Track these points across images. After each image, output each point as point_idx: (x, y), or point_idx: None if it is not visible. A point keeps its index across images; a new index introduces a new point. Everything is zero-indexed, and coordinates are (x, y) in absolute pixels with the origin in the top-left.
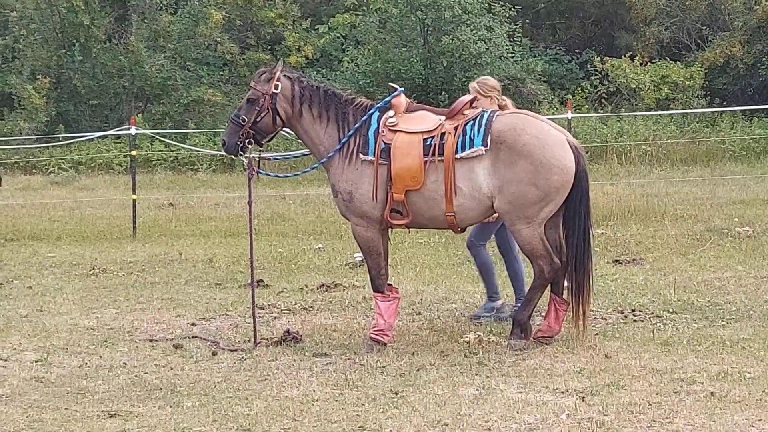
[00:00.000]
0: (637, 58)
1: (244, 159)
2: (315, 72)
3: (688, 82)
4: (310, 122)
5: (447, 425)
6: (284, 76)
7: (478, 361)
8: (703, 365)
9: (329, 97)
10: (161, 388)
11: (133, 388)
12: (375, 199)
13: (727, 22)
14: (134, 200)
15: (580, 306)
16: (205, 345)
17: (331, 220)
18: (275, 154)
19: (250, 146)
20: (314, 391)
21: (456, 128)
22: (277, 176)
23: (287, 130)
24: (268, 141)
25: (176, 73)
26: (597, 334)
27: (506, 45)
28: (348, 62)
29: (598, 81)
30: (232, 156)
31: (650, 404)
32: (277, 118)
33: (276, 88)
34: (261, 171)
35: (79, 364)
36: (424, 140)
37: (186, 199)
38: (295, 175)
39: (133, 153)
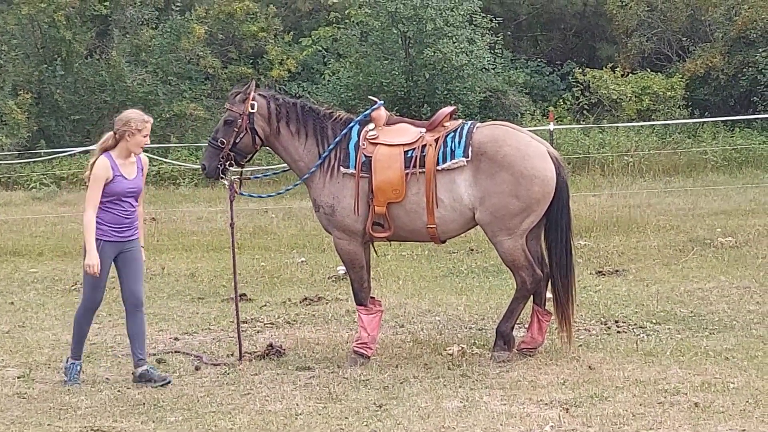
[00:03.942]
0: (618, 69)
1: (225, 182)
2: (297, 85)
3: (669, 93)
4: (289, 139)
5: None
6: (258, 94)
7: (462, 373)
8: (686, 376)
9: (306, 112)
10: (144, 403)
11: (116, 404)
12: (357, 213)
13: (707, 33)
14: None
15: (564, 317)
16: (188, 359)
17: (313, 233)
18: (257, 168)
19: (230, 168)
20: (298, 404)
21: (437, 140)
22: (260, 197)
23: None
24: (247, 161)
25: (158, 88)
26: (580, 345)
27: (488, 57)
28: (330, 75)
29: (579, 92)
30: (214, 179)
31: (634, 415)
32: (256, 137)
33: (252, 108)
34: (243, 192)
35: (61, 380)
36: (405, 152)
37: (168, 213)
38: (278, 193)
39: None
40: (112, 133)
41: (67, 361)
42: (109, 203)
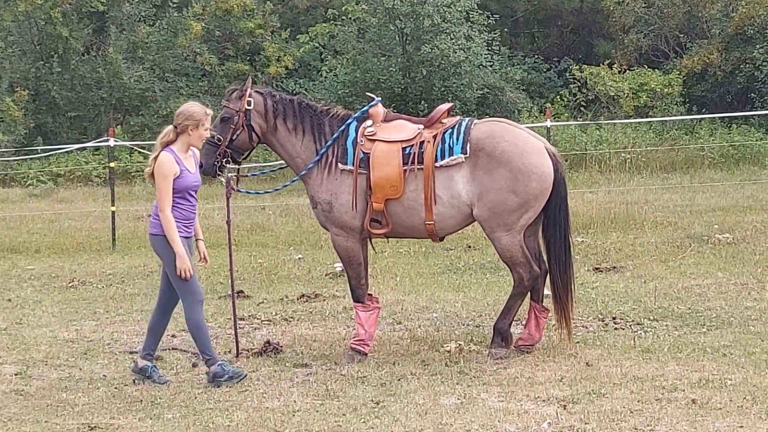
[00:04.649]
0: (615, 65)
1: (222, 179)
2: (294, 82)
3: (666, 90)
4: (286, 135)
5: None
6: (255, 91)
7: (459, 370)
8: (684, 372)
9: (303, 108)
10: (141, 400)
11: (113, 401)
12: (354, 209)
13: (704, 29)
14: (113, 212)
15: (563, 314)
16: (185, 356)
17: (311, 230)
18: (254, 165)
19: (227, 165)
20: (295, 401)
21: (435, 137)
22: (257, 193)
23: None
24: (244, 158)
25: (155, 85)
26: (578, 342)
27: (485, 54)
28: (327, 72)
29: (576, 89)
30: (211, 177)
31: (631, 412)
32: (253, 134)
33: (249, 105)
34: (240, 189)
35: (58, 377)
36: (403, 149)
37: None
38: (276, 190)
39: (112, 165)
40: (172, 127)
41: (210, 373)
42: (179, 199)
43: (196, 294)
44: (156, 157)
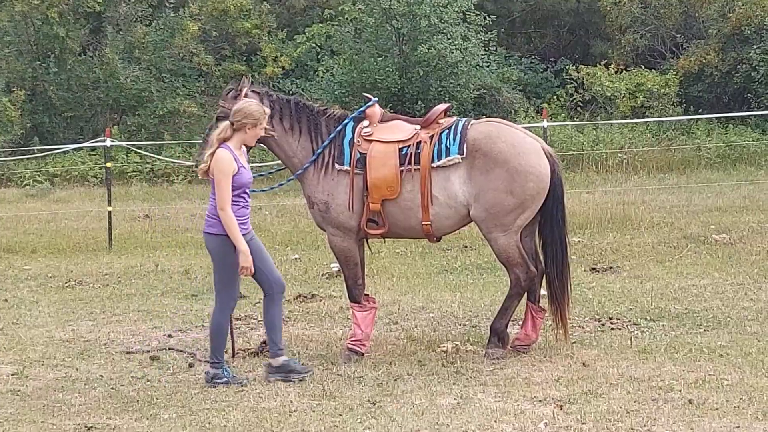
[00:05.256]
0: (612, 66)
1: None
2: (290, 83)
3: (663, 90)
4: (282, 135)
5: None
6: (252, 91)
7: (456, 370)
8: (680, 373)
9: (300, 108)
10: (138, 401)
11: (109, 401)
12: (351, 209)
13: (701, 29)
14: (110, 212)
15: (560, 314)
16: (182, 357)
17: (307, 230)
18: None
19: None
20: (291, 402)
21: (432, 137)
22: (253, 191)
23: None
24: None
25: (151, 85)
26: (574, 342)
27: (482, 54)
28: (323, 72)
29: (573, 89)
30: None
31: (628, 412)
32: None
33: None
34: None
35: (55, 377)
36: (400, 149)
37: (162, 210)
38: (272, 189)
39: (109, 165)
40: (228, 123)
41: (210, 373)
42: (236, 196)
43: (231, 299)
44: (213, 154)
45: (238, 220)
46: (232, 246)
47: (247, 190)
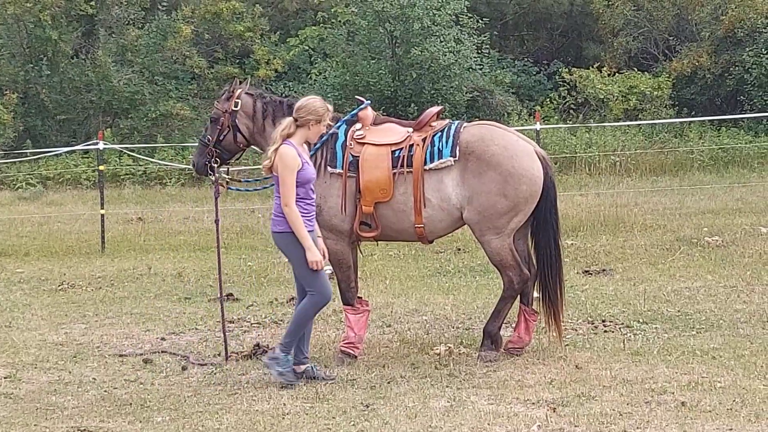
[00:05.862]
0: (605, 68)
1: (212, 178)
2: (283, 85)
3: (656, 93)
4: None
5: None
6: (246, 93)
7: (449, 373)
8: (673, 375)
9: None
10: (131, 403)
11: (102, 404)
12: (344, 212)
13: (694, 32)
14: (103, 215)
15: (553, 317)
16: (175, 359)
17: None
18: (247, 168)
19: (216, 165)
20: (285, 404)
21: (424, 140)
22: (247, 190)
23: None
24: (236, 159)
25: (144, 88)
26: (567, 344)
27: (475, 57)
28: (316, 75)
29: (566, 92)
30: (203, 176)
31: (621, 414)
32: (239, 134)
33: (236, 106)
34: (231, 187)
35: (48, 380)
36: (393, 152)
37: (155, 213)
38: (264, 188)
39: (101, 168)
40: (291, 120)
41: (274, 355)
42: (301, 193)
43: (325, 295)
44: (276, 150)
45: (305, 217)
46: None
47: (313, 187)
